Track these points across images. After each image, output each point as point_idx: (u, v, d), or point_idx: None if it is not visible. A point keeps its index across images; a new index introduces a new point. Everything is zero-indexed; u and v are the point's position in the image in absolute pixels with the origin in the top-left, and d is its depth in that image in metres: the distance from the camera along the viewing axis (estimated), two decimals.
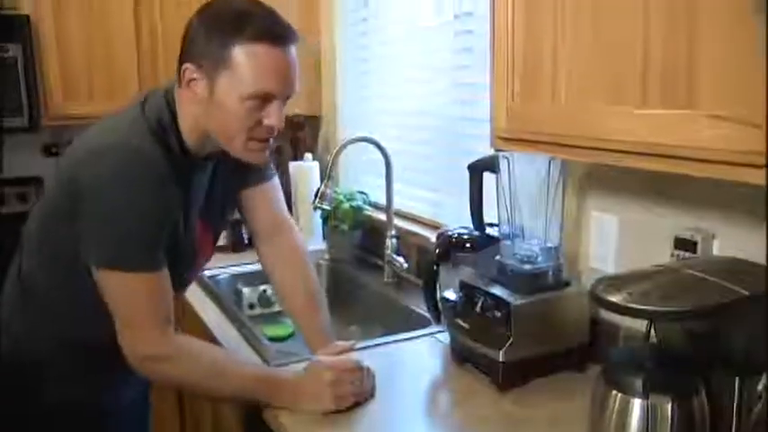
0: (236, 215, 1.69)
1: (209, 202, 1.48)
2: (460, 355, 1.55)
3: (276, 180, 1.65)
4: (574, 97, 1.09)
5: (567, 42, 1.09)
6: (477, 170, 1.59)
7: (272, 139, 1.35)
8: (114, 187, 1.24)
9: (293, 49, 1.30)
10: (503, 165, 1.48)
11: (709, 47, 0.87)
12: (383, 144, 2.19)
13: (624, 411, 1.02)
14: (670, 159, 0.93)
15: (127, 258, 1.27)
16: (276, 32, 1.27)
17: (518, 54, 1.20)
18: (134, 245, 1.27)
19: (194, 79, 1.28)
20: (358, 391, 1.36)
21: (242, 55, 1.24)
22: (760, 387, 0.90)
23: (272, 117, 1.29)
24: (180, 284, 1.46)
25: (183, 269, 1.45)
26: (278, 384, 1.37)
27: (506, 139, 1.25)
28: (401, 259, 2.16)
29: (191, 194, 1.40)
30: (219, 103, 1.27)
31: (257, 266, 1.80)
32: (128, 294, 1.29)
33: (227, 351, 1.44)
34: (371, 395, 1.40)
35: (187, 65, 1.28)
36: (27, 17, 2.63)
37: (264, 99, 1.27)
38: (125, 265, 1.27)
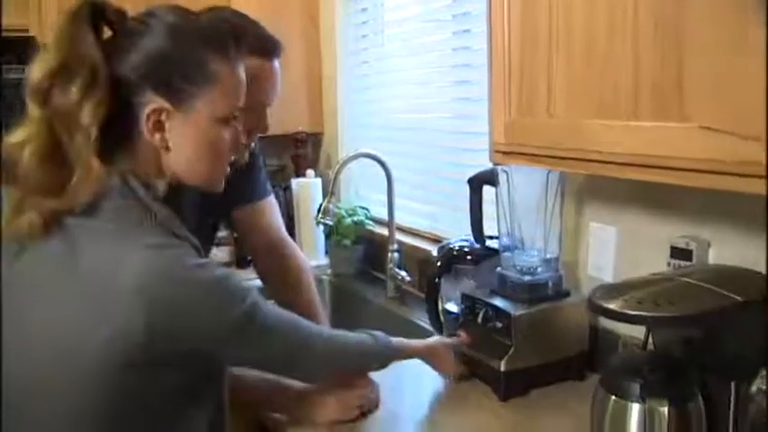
0: None
1: (195, 220, 1.50)
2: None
3: (272, 198, 1.67)
4: (569, 112, 1.13)
5: (561, 59, 1.13)
6: (477, 183, 1.62)
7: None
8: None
9: (278, 61, 1.36)
10: (502, 178, 1.51)
11: (696, 61, 0.90)
12: (384, 159, 2.23)
13: (622, 416, 1.05)
14: (662, 170, 0.96)
15: None
16: (266, 45, 1.32)
17: (515, 70, 1.23)
18: None
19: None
20: (363, 403, 1.38)
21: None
22: (754, 389, 0.92)
23: (260, 124, 1.36)
24: None
25: None
26: (283, 390, 1.38)
27: (505, 153, 1.29)
28: (404, 273, 2.19)
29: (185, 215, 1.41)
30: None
31: None
32: None
33: None
34: (376, 407, 1.42)
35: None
36: (33, 38, 2.67)
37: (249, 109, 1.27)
38: None
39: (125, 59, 1.05)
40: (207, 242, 1.58)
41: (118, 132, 1.06)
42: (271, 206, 1.65)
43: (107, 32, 1.09)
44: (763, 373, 0.92)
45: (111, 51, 1.05)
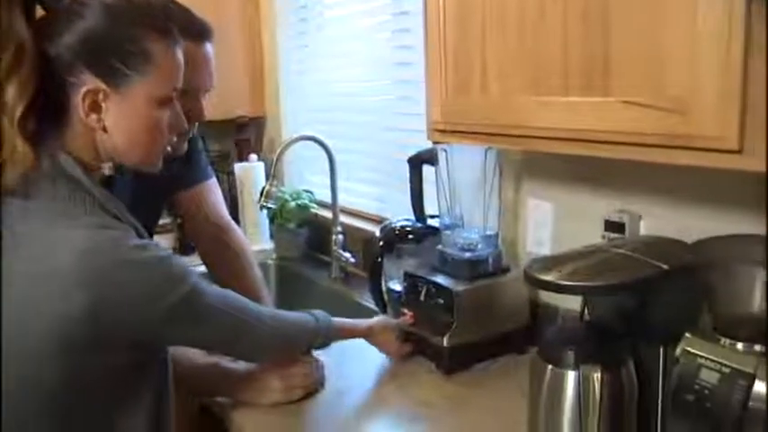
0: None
1: (135, 203, 1.48)
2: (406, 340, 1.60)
3: (213, 180, 1.66)
4: (502, 89, 1.15)
5: (494, 38, 1.15)
6: (417, 163, 1.64)
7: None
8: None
9: (210, 45, 1.34)
10: (441, 157, 1.54)
11: (621, 36, 0.94)
12: (327, 142, 2.23)
13: (558, 384, 1.08)
14: (591, 144, 1.00)
15: None
16: (194, 29, 1.30)
17: (449, 49, 1.25)
18: None
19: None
20: (307, 383, 1.39)
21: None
22: (678, 351, 0.96)
23: (196, 109, 1.34)
24: None
25: None
26: (226, 372, 1.39)
27: (442, 132, 1.31)
28: (348, 254, 2.20)
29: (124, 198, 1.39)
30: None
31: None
32: None
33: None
34: (321, 385, 1.44)
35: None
36: None
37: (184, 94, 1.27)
38: None
39: (59, 39, 1.03)
40: (149, 227, 1.56)
41: (53, 113, 1.06)
42: (212, 189, 1.64)
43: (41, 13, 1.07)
44: (687, 336, 0.96)
45: (45, 31, 1.04)
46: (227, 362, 1.43)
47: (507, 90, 1.14)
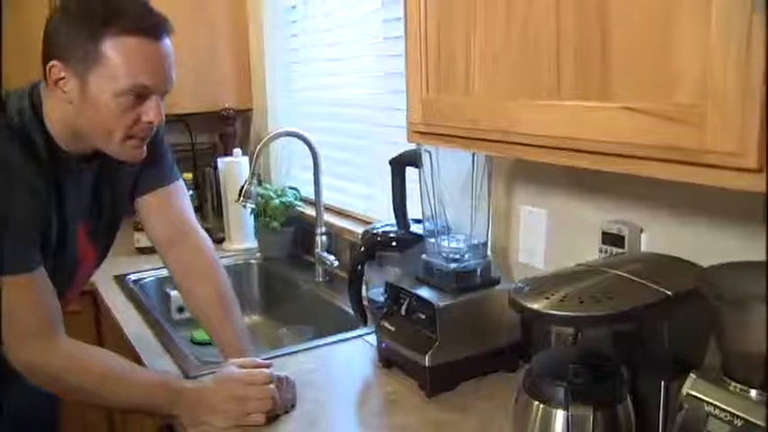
0: None
1: (94, 208, 1.38)
2: (387, 360, 1.49)
3: (179, 183, 1.54)
4: (488, 89, 1.02)
5: (479, 33, 1.02)
6: (399, 165, 1.51)
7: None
8: None
9: (168, 41, 1.23)
10: (425, 159, 1.41)
11: (621, 32, 0.81)
12: (314, 137, 2.11)
13: (546, 422, 0.97)
14: (584, 154, 0.87)
15: None
16: (149, 24, 1.20)
17: (431, 45, 1.12)
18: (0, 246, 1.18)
19: (62, 78, 1.20)
20: (267, 408, 1.27)
21: (113, 49, 1.16)
22: (684, 392, 0.84)
23: (151, 112, 1.23)
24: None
25: (61, 279, 1.34)
26: (178, 392, 1.29)
27: (422, 134, 1.18)
28: (331, 257, 2.08)
29: (64, 198, 1.30)
30: (92, 101, 1.20)
31: None
32: (4, 300, 1.19)
33: (123, 358, 1.35)
34: (292, 406, 1.33)
35: (53, 62, 1.20)
36: None
37: (140, 95, 1.21)
38: None
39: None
40: (103, 231, 1.47)
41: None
42: (176, 192, 1.52)
43: None
44: (692, 376, 0.84)
45: None
46: (178, 378, 1.38)
47: (493, 90, 1.01)
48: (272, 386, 1.29)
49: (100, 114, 1.21)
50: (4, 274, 1.18)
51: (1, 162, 1.17)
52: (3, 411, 1.41)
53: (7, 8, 2.37)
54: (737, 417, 0.77)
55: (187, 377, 1.45)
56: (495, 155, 1.25)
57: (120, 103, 1.20)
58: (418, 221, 1.56)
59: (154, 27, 1.20)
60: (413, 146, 1.48)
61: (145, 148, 1.30)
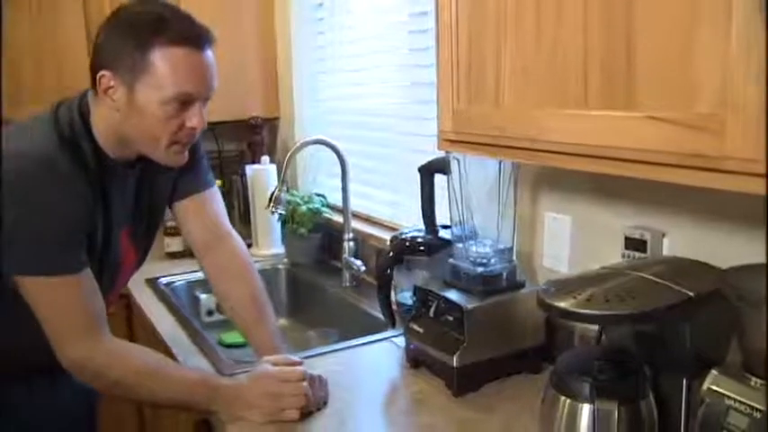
0: None
1: (136, 212, 1.44)
2: (415, 360, 1.53)
3: (214, 189, 1.61)
4: (517, 99, 1.07)
5: (509, 45, 1.07)
6: (428, 172, 1.56)
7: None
8: (19, 194, 1.20)
9: (210, 51, 1.29)
10: (454, 166, 1.46)
11: (646, 44, 0.85)
12: (341, 145, 2.16)
13: (573, 417, 1.01)
14: (610, 161, 0.91)
15: (45, 262, 1.24)
16: (193, 35, 1.26)
17: (462, 55, 1.18)
18: (50, 248, 1.24)
19: (111, 87, 1.26)
20: (301, 404, 1.32)
21: (160, 59, 1.22)
22: (704, 388, 0.88)
23: (195, 119, 1.29)
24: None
25: (106, 281, 1.40)
26: (215, 389, 1.34)
27: (452, 141, 1.23)
28: (359, 262, 2.13)
29: (110, 203, 1.36)
30: (139, 109, 1.26)
31: None
32: (53, 299, 1.26)
33: (163, 355, 1.41)
34: (324, 404, 1.38)
35: (103, 72, 1.26)
36: None
37: (184, 102, 1.27)
38: (45, 270, 1.24)
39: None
40: (143, 234, 1.53)
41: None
42: (210, 198, 1.58)
43: None
44: (714, 372, 0.89)
45: None
46: (216, 375, 1.42)
47: (522, 100, 1.06)
48: (305, 383, 1.34)
49: (146, 121, 1.27)
50: (53, 275, 1.24)
51: (51, 170, 1.23)
52: (18, 412, 1.46)
53: (7, 8, 2.43)
54: (757, 409, 0.81)
55: (222, 375, 1.51)
56: (523, 161, 1.30)
57: (166, 111, 1.25)
58: (445, 227, 1.61)
59: (198, 38, 1.26)
60: (439, 153, 1.54)
61: (187, 153, 1.36)
